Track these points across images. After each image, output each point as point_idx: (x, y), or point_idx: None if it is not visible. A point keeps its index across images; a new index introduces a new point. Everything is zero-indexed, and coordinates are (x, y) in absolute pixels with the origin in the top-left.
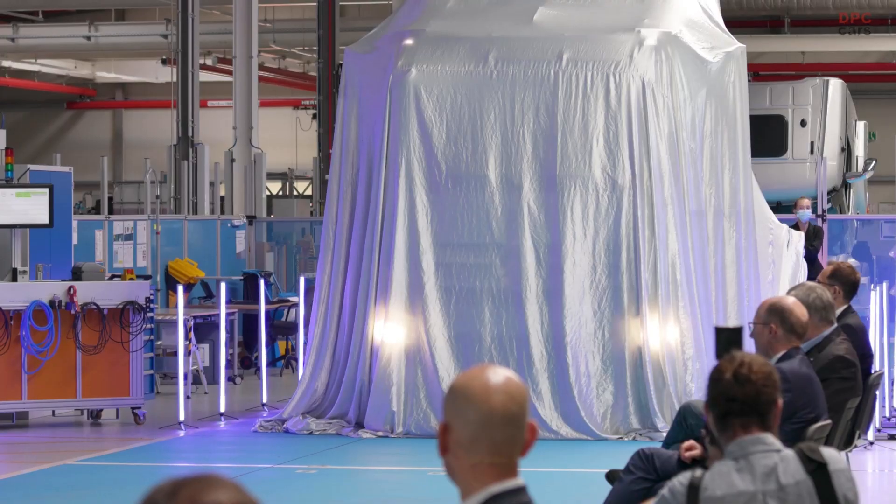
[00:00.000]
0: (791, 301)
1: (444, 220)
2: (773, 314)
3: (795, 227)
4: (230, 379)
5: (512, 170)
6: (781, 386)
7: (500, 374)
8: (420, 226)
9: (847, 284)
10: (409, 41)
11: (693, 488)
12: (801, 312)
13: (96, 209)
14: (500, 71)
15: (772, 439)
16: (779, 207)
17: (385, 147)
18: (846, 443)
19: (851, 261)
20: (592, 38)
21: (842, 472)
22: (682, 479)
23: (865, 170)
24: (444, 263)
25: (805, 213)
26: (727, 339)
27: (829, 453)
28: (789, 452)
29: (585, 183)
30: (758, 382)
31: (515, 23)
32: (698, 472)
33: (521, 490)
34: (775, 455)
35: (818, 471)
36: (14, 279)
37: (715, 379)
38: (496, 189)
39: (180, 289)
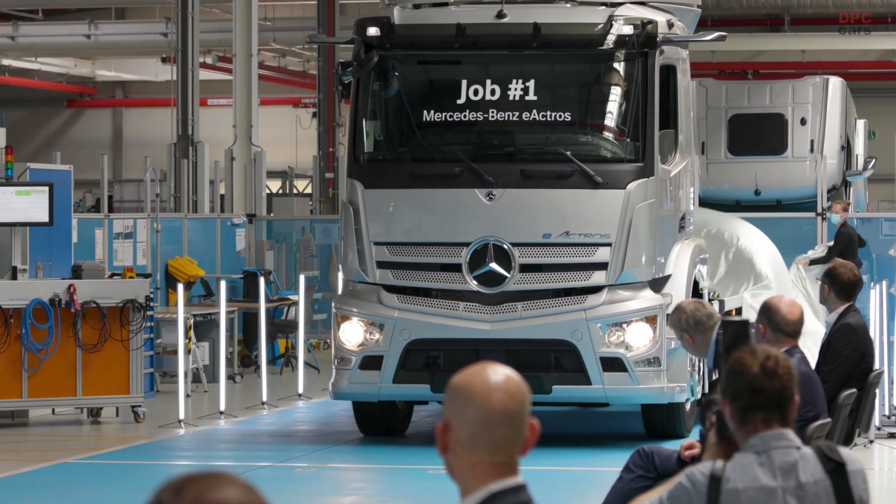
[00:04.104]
0: (780, 301)
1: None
2: (762, 313)
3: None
4: (230, 377)
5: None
6: None
7: (499, 373)
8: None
9: (838, 285)
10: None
11: (715, 479)
12: (789, 311)
13: (96, 207)
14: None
15: (793, 436)
16: (779, 206)
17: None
18: (846, 441)
19: None
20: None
21: (858, 472)
22: (702, 469)
23: (865, 168)
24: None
25: (833, 217)
26: (734, 333)
27: (848, 454)
28: (808, 450)
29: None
30: (783, 376)
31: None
32: (719, 463)
33: (520, 488)
34: (795, 452)
35: (836, 471)
36: (14, 277)
37: (737, 371)
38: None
39: (180, 287)
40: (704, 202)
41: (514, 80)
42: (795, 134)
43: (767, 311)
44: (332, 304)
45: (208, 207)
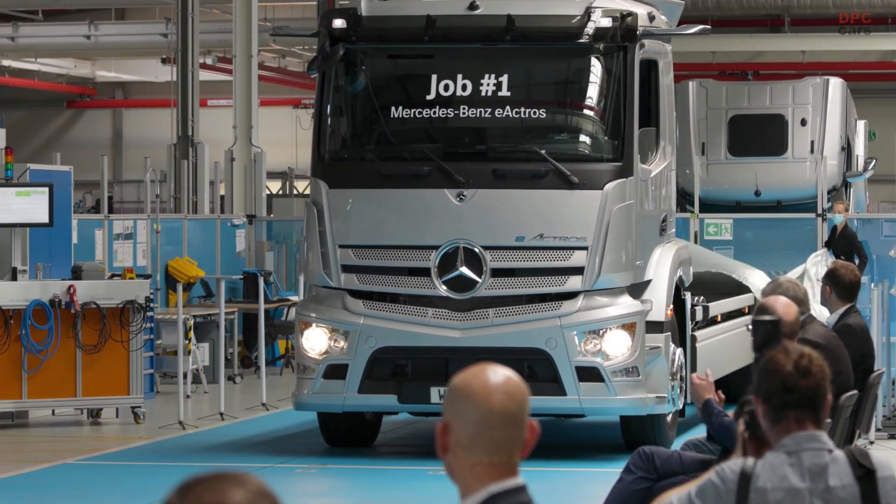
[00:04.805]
0: (776, 301)
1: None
2: (756, 314)
3: (833, 228)
4: (230, 378)
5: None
6: None
7: (499, 374)
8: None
9: (839, 286)
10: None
11: (745, 477)
12: (785, 312)
13: (96, 208)
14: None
15: (826, 438)
16: (779, 207)
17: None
18: (846, 442)
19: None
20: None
21: (888, 479)
22: (732, 466)
23: (865, 169)
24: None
25: (836, 217)
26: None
27: (879, 460)
28: (840, 454)
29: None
30: (817, 375)
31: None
32: (750, 461)
33: (520, 489)
34: (827, 455)
35: (866, 477)
36: (14, 278)
37: (771, 370)
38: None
39: (180, 288)
40: (705, 203)
41: (487, 75)
42: (796, 135)
43: (763, 311)
44: (295, 310)
45: (208, 208)
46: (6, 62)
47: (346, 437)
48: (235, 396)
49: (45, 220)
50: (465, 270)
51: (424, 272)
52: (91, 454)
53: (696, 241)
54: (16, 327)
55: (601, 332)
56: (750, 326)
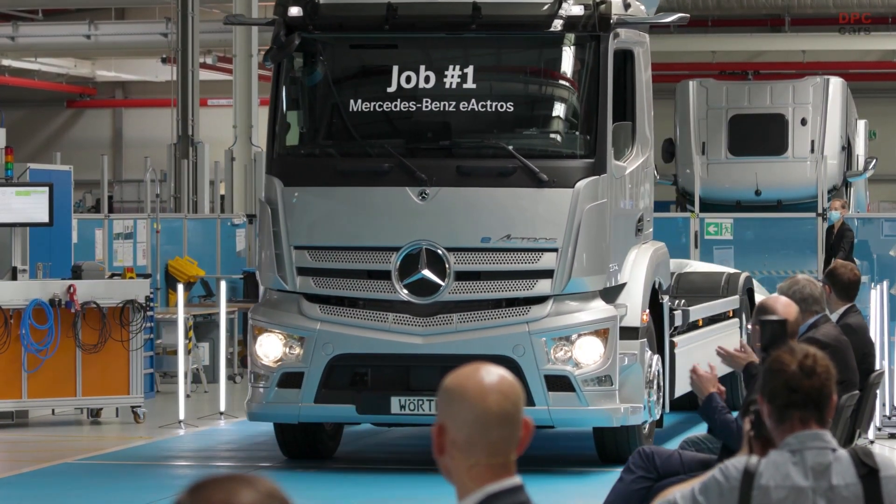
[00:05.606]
0: (776, 301)
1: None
2: (758, 314)
3: (830, 228)
4: (230, 378)
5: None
6: None
7: (493, 374)
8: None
9: (837, 285)
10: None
11: (748, 474)
12: (785, 312)
13: (96, 208)
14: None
15: (829, 437)
16: (780, 206)
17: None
18: (847, 441)
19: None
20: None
21: (892, 478)
22: (736, 464)
23: (866, 168)
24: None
25: (833, 214)
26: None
27: (883, 459)
28: (843, 453)
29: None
30: (822, 375)
31: None
32: (754, 458)
33: (518, 489)
34: (830, 454)
35: (869, 476)
36: (14, 278)
37: (776, 370)
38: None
39: (180, 287)
40: (705, 202)
41: (451, 67)
42: (796, 134)
43: (763, 311)
44: (248, 315)
45: (208, 208)
46: (6, 62)
47: (305, 448)
48: (235, 396)
49: (45, 219)
50: (427, 273)
51: (384, 275)
52: (91, 454)
53: (696, 241)
54: (16, 327)
55: (572, 338)
56: (750, 326)
